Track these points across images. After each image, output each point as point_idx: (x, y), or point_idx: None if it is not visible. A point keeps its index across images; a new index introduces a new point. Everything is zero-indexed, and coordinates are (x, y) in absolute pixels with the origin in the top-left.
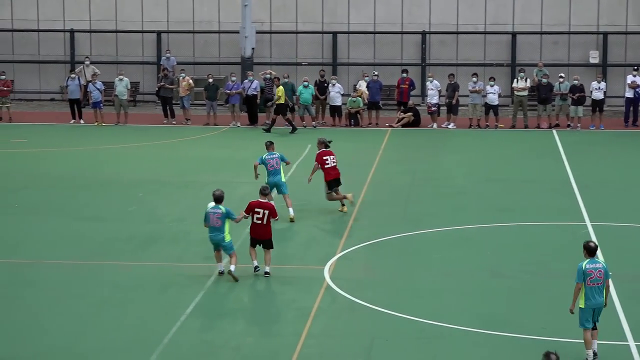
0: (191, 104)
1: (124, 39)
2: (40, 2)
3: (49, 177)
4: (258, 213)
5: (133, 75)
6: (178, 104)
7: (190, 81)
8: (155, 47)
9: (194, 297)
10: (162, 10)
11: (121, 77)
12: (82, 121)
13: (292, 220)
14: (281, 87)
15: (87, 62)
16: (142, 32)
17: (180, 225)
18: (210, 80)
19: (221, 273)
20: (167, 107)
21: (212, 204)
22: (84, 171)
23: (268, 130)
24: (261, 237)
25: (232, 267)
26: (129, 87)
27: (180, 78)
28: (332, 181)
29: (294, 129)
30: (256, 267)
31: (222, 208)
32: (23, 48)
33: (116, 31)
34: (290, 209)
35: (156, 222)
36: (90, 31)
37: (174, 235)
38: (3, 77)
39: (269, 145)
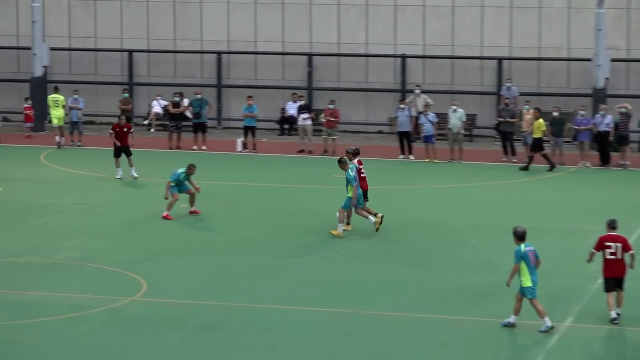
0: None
1: (460, 66)
2: (370, 27)
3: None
4: (610, 247)
5: (469, 106)
6: (520, 139)
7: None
8: (495, 75)
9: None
10: (504, 35)
11: (455, 107)
12: (412, 157)
13: None
14: (541, 120)
15: (418, 91)
16: (481, 58)
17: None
18: (556, 113)
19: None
20: (507, 143)
21: (523, 244)
22: (412, 212)
23: (525, 169)
24: (616, 274)
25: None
26: (465, 119)
27: (524, 111)
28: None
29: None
30: (614, 318)
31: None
32: (350, 74)
33: (451, 57)
34: None
35: (491, 272)
36: (423, 57)
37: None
38: (332, 106)
39: None
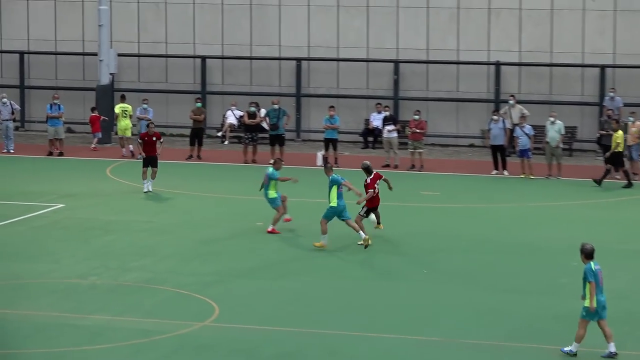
0: None
1: (558, 74)
2: (461, 32)
3: (464, 238)
4: None
5: (569, 118)
6: (625, 154)
7: None
8: (597, 84)
9: None
10: (607, 41)
11: (554, 119)
12: (506, 172)
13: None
14: (620, 132)
15: (513, 102)
16: (582, 66)
17: (623, 303)
18: None
19: None
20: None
21: (592, 262)
22: (506, 233)
23: (598, 184)
24: None
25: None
26: (563, 132)
27: (629, 123)
28: (374, 208)
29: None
30: None
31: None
32: (440, 83)
33: (550, 64)
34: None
35: None
36: (518, 64)
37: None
38: (417, 117)
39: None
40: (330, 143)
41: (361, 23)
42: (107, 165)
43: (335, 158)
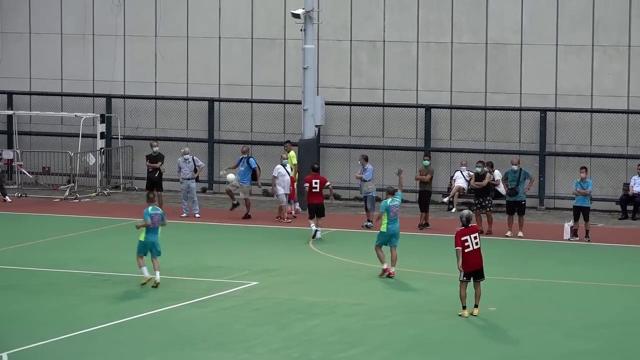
0: None
1: None
2: None
3: None
4: None
5: None
6: None
7: None
8: None
9: None
10: None
11: None
12: None
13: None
14: None
15: None
16: None
17: None
18: None
19: None
20: None
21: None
22: None
23: None
24: None
25: None
26: None
27: None
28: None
29: None
30: None
31: None
32: None
33: None
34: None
35: None
36: None
37: None
38: None
39: None
40: (580, 212)
41: (621, 66)
42: (308, 235)
43: (587, 230)
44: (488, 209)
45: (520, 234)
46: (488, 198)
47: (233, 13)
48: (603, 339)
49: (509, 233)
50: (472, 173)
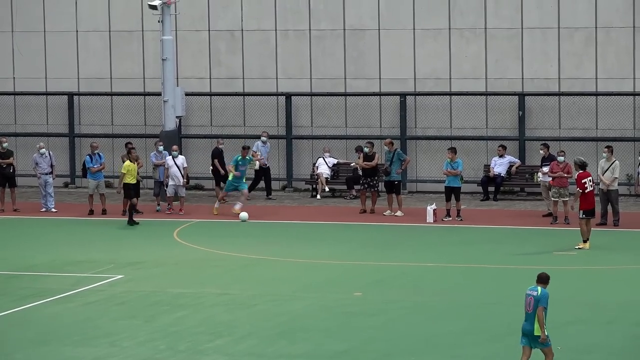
0: None
1: None
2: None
3: (609, 307)
4: None
5: None
6: None
7: None
8: None
9: None
10: None
11: None
12: None
13: None
14: None
15: None
16: None
17: None
18: None
19: None
20: None
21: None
22: None
23: None
24: None
25: None
26: None
27: None
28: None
29: None
30: None
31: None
32: (574, 120)
33: None
34: None
35: None
36: None
37: None
38: (562, 158)
39: None
40: (452, 192)
41: (479, 48)
42: (174, 226)
43: (458, 211)
44: (374, 189)
45: (398, 213)
46: (376, 178)
47: (90, 6)
48: (467, 319)
49: (387, 212)
50: (335, 160)
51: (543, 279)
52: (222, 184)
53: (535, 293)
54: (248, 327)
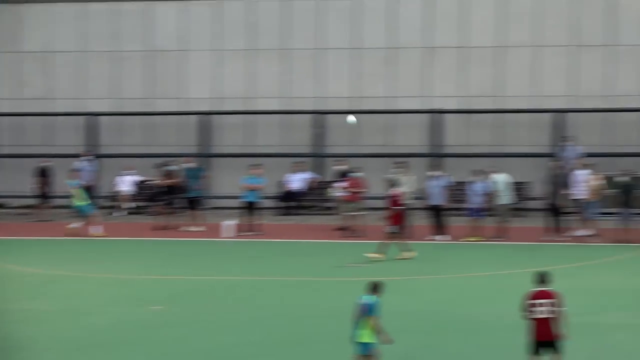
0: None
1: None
2: (393, 76)
3: (400, 316)
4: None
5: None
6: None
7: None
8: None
9: None
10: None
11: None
12: (442, 237)
13: None
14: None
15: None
16: (534, 111)
17: None
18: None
19: None
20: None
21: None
22: (450, 308)
23: None
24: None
25: None
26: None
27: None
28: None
29: None
30: None
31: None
32: (370, 136)
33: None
34: None
35: None
36: (463, 111)
37: None
38: (355, 174)
39: None
40: (250, 207)
41: (283, 69)
42: None
43: (256, 225)
44: (175, 205)
45: (196, 228)
46: (176, 194)
47: None
48: (261, 331)
49: (189, 228)
50: (141, 177)
51: (374, 288)
52: None
53: (367, 301)
54: (45, 343)
